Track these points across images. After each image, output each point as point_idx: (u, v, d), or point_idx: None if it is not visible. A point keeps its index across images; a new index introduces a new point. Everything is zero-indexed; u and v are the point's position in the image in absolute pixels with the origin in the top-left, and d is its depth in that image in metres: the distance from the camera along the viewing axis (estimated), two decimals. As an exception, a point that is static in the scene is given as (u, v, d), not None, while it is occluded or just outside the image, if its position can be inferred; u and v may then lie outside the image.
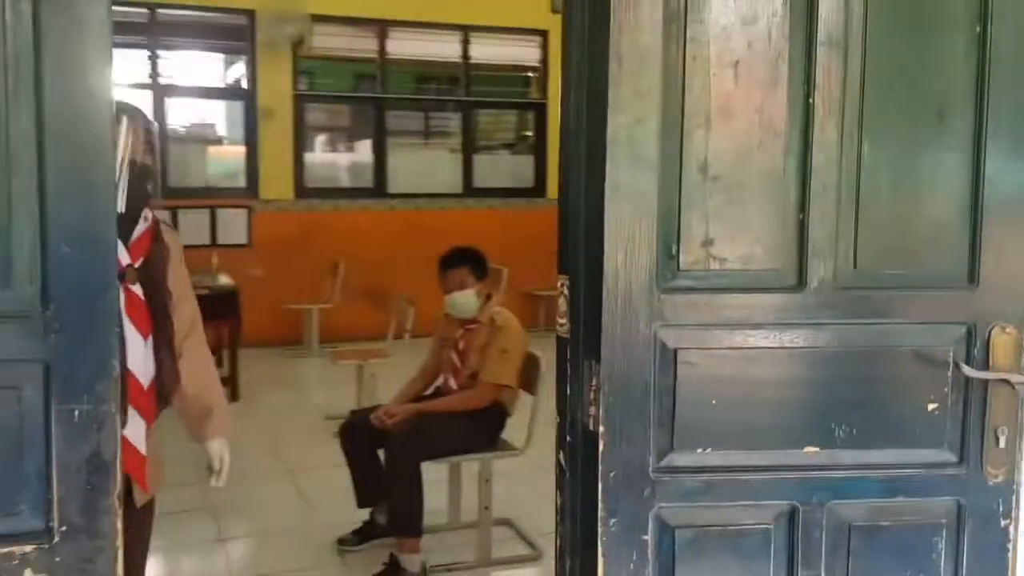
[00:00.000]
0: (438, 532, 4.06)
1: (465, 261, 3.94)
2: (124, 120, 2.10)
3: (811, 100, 1.71)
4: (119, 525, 1.50)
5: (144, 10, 7.85)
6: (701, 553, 1.79)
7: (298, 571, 3.83)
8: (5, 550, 1.45)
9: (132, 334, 2.11)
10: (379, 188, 9.03)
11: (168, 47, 8.32)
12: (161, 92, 8.21)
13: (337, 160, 9.46)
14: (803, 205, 1.74)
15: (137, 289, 2.14)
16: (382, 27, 8.84)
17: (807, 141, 1.72)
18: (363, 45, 8.97)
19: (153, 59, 8.16)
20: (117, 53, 1.43)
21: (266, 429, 5.84)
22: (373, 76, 9.08)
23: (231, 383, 6.43)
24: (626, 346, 1.71)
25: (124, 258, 2.10)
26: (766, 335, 1.77)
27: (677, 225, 1.71)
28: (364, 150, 9.27)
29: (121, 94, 1.86)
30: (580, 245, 1.78)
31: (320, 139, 9.39)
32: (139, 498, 2.19)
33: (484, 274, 3.98)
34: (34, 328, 1.44)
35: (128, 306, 2.10)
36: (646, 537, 1.77)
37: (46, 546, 1.46)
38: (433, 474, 3.81)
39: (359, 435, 3.91)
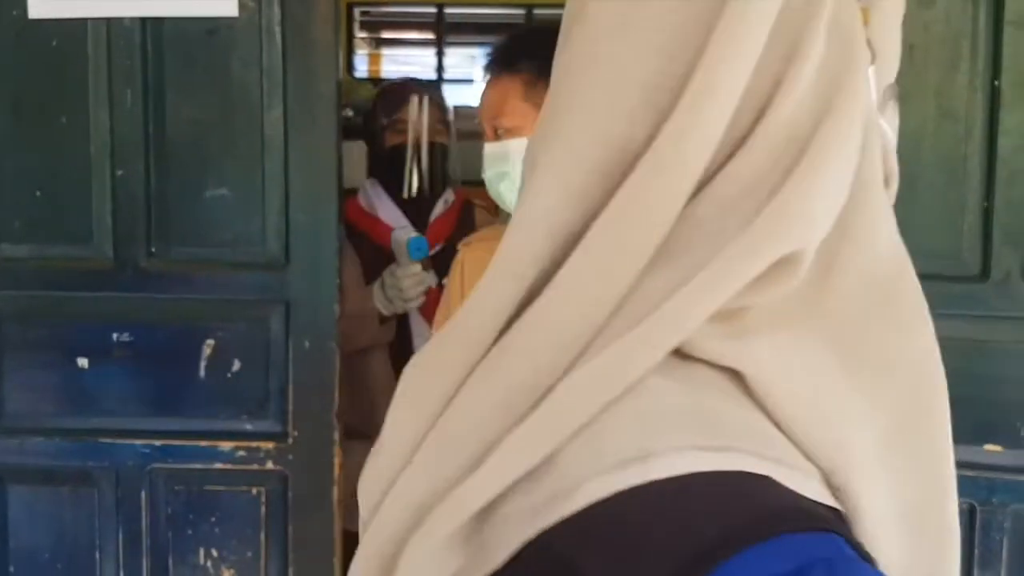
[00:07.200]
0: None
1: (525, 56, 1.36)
2: (414, 99, 2.07)
3: (996, 83, 1.64)
4: (335, 436, 1.86)
5: (521, 11, 8.58)
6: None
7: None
8: (255, 444, 1.87)
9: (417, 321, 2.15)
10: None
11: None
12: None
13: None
14: (988, 193, 1.67)
15: (431, 279, 2.06)
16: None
17: (992, 126, 1.65)
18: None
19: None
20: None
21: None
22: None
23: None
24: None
25: (405, 233, 2.03)
26: (941, 326, 1.71)
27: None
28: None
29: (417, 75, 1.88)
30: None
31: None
32: None
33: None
34: (280, 276, 1.84)
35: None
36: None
37: (283, 444, 1.87)
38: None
39: None
